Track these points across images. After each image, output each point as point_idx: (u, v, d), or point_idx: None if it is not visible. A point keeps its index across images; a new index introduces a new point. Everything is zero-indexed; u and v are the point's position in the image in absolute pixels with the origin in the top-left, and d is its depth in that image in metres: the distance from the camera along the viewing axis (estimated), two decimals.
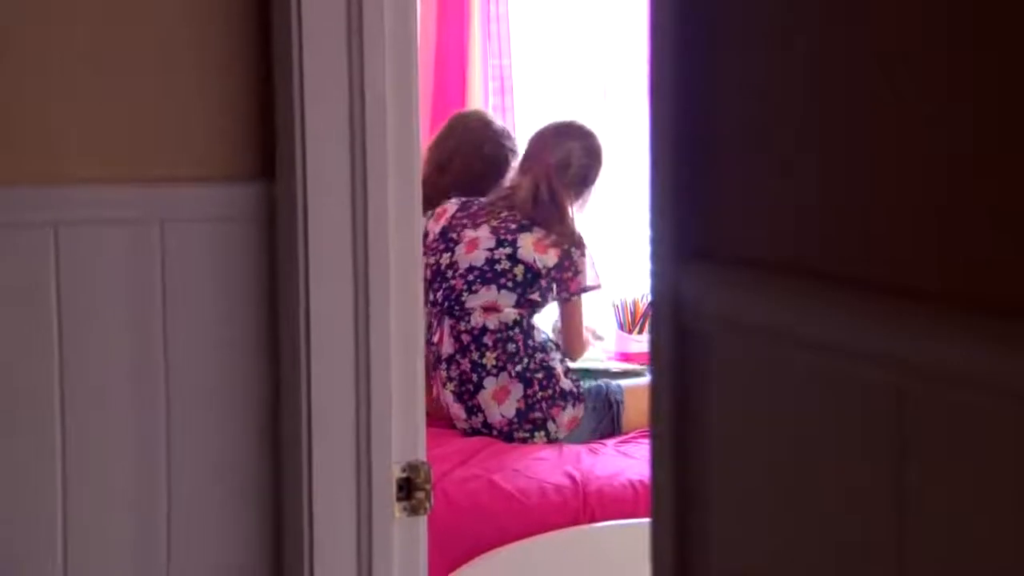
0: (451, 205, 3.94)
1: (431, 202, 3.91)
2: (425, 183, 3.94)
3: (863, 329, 0.99)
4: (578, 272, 3.79)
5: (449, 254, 3.83)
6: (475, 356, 3.75)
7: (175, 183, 1.97)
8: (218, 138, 1.98)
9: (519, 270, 3.75)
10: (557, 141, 3.96)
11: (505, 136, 4.13)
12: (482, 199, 3.94)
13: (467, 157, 4.03)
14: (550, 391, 3.72)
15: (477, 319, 3.76)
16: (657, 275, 1.28)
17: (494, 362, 3.73)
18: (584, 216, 4.05)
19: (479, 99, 5.16)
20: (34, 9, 1.90)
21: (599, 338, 4.38)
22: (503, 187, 4.01)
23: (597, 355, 4.21)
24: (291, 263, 1.94)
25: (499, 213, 3.85)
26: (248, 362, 1.99)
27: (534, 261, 3.76)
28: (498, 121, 4.23)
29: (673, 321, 1.25)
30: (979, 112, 0.90)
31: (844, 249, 1.04)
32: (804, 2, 1.08)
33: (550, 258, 3.77)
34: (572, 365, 3.88)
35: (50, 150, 1.92)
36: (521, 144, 4.14)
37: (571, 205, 3.90)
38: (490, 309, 3.75)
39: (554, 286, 3.77)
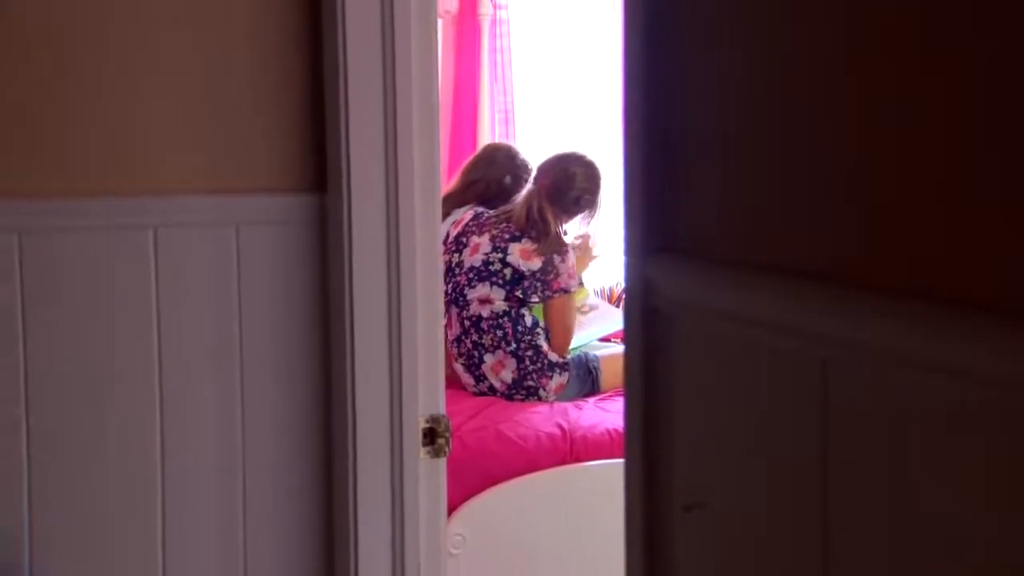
0: (467, 215, 3.91)
1: (456, 207, 3.95)
2: (452, 195, 3.97)
3: (789, 309, 0.99)
4: (559, 275, 3.71)
5: (458, 255, 3.82)
6: (475, 337, 3.72)
7: (248, 194, 1.97)
8: (282, 159, 1.98)
9: (507, 272, 3.72)
10: (559, 167, 3.87)
11: (523, 169, 4.05)
12: (490, 212, 3.91)
13: (489, 183, 4.02)
14: (539, 364, 3.67)
15: (475, 308, 3.72)
16: (629, 266, 1.27)
17: (490, 342, 3.70)
18: (590, 226, 3.93)
19: (487, 129, 5.15)
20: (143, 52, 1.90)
21: (593, 307, 4.24)
22: (509, 203, 3.96)
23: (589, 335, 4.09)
24: (338, 258, 1.94)
25: (499, 224, 3.81)
26: (305, 337, 1.99)
27: (519, 265, 3.71)
28: (521, 155, 4.11)
29: (642, 303, 1.24)
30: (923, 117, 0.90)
31: (771, 243, 1.04)
32: (766, 10, 1.07)
33: (534, 264, 3.70)
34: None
35: (152, 167, 1.92)
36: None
37: (561, 221, 3.81)
38: (484, 301, 3.71)
39: (538, 286, 3.70)
